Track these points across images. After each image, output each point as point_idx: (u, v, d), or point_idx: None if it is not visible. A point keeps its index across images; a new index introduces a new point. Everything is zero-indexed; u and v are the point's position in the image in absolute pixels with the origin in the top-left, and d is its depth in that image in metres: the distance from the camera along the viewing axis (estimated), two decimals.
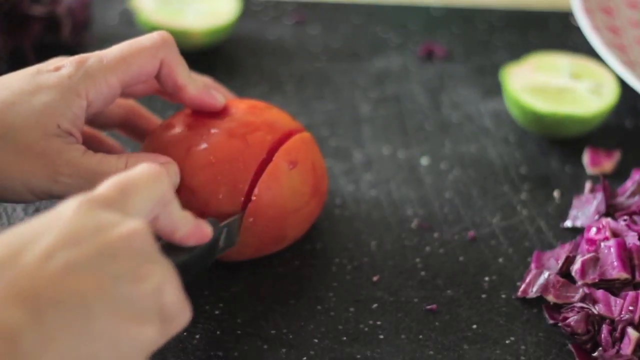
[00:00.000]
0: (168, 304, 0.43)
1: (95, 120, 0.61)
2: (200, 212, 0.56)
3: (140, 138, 0.64)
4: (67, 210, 0.41)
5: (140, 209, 0.44)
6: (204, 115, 0.60)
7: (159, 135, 0.60)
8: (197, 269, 0.51)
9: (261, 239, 0.59)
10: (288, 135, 0.60)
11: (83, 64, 0.54)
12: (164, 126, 0.60)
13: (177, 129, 0.59)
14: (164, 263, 0.43)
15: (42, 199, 0.54)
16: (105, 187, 0.43)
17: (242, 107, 0.60)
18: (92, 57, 0.55)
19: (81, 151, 0.54)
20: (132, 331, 0.40)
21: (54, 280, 0.38)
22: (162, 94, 0.63)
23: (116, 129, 0.64)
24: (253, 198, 0.57)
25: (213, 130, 0.58)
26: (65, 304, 0.38)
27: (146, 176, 0.44)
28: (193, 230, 0.49)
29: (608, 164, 0.71)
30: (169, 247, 0.48)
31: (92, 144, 0.62)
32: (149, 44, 0.56)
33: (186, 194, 0.57)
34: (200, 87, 0.58)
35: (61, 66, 0.54)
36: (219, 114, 0.60)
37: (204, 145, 0.57)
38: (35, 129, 0.52)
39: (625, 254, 0.58)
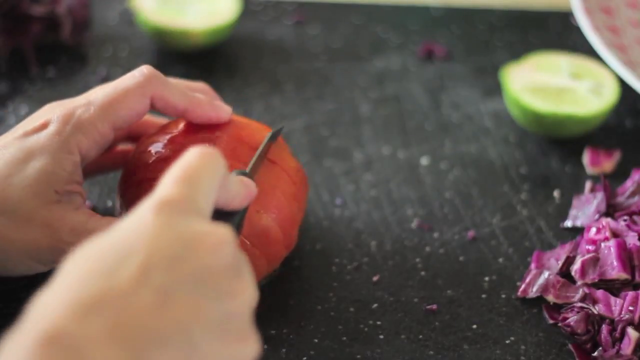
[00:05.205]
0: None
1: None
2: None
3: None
4: (146, 220, 0.39)
5: (209, 197, 0.42)
6: (195, 134, 0.56)
7: (149, 163, 0.56)
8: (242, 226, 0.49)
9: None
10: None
11: (71, 118, 0.52)
12: (155, 156, 0.56)
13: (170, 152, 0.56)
14: (250, 273, 0.42)
15: (51, 267, 0.52)
16: (171, 185, 0.41)
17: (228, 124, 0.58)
18: (79, 109, 0.53)
19: (86, 215, 0.52)
20: (235, 351, 0.39)
21: (151, 311, 0.36)
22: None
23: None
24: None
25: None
26: (166, 339, 0.36)
27: (204, 160, 0.42)
28: (245, 192, 0.47)
29: (608, 164, 0.71)
30: (219, 214, 0.46)
31: None
32: (134, 84, 0.54)
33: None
34: (203, 103, 0.56)
35: (47, 123, 0.52)
36: (209, 130, 0.57)
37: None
38: (33, 200, 0.50)
39: (625, 254, 0.58)
